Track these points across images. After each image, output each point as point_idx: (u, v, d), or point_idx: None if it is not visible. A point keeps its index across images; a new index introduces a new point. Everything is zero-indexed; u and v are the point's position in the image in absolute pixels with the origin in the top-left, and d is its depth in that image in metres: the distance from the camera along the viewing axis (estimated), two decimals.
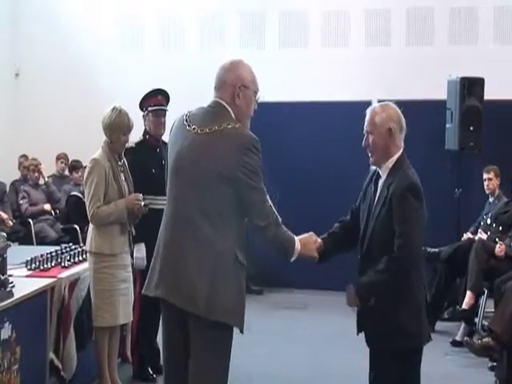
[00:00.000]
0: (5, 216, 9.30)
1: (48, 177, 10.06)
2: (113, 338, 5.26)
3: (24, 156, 10.35)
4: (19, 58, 11.00)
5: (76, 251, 5.55)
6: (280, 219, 3.49)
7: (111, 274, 5.05)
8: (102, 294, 5.04)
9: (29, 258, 5.18)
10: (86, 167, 5.51)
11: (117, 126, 5.10)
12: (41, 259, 5.21)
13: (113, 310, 5.07)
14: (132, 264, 5.36)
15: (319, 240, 3.74)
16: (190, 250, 3.36)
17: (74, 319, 5.12)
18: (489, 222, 7.55)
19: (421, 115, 8.75)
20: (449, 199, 8.32)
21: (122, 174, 5.20)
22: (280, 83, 9.41)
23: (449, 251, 7.49)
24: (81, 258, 5.50)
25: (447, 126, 8.33)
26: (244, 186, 3.34)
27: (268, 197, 3.48)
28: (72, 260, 5.40)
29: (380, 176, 3.66)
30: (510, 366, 5.55)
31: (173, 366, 3.53)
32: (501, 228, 7.34)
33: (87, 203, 5.08)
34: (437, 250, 7.59)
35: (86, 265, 5.35)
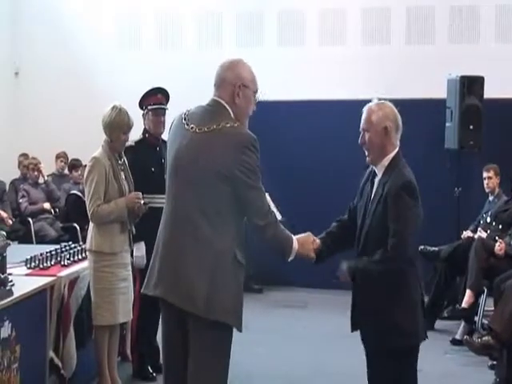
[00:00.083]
0: (4, 215, 9.30)
1: (47, 176, 10.07)
2: (113, 337, 5.26)
3: (24, 155, 10.35)
4: (19, 57, 11.01)
5: (75, 250, 5.55)
6: (280, 217, 3.49)
7: (111, 272, 5.04)
8: (102, 293, 5.04)
9: (28, 257, 5.18)
10: (85, 166, 5.50)
11: (117, 124, 5.10)
12: (40, 258, 5.21)
13: (112, 309, 5.07)
14: (132, 263, 5.35)
15: (317, 240, 3.74)
16: (189, 249, 3.36)
17: (73, 318, 5.12)
18: (488, 220, 7.55)
19: (421, 114, 8.77)
20: (448, 198, 8.32)
21: (122, 173, 5.19)
22: (278, 82, 9.39)
23: (448, 250, 7.49)
24: (80, 257, 5.50)
25: (447, 124, 8.32)
26: (242, 184, 3.34)
27: (267, 196, 3.48)
28: (71, 259, 5.40)
29: (376, 174, 3.68)
30: (509, 365, 5.55)
31: (172, 365, 3.53)
32: (500, 226, 7.34)
33: (87, 202, 5.08)
34: (436, 248, 7.59)
35: (85, 263, 5.35)
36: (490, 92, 8.22)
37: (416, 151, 8.45)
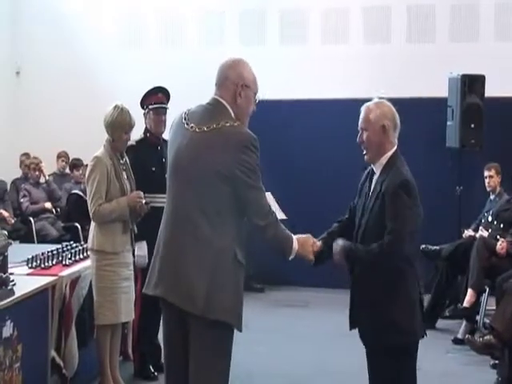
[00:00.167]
0: (6, 214, 9.31)
1: (49, 175, 10.07)
2: (114, 336, 5.26)
3: (25, 154, 10.36)
4: (20, 57, 11.01)
5: (77, 249, 5.55)
6: (284, 217, 3.49)
7: (113, 271, 5.05)
8: (104, 292, 5.04)
9: (30, 257, 5.19)
10: (87, 165, 5.50)
11: (118, 124, 5.11)
12: (42, 257, 5.21)
13: (114, 308, 5.07)
14: (133, 262, 5.35)
15: (318, 243, 3.74)
16: (189, 249, 3.35)
17: (75, 317, 5.12)
18: (490, 219, 7.54)
19: (422, 113, 8.78)
20: (450, 197, 8.31)
21: (123, 172, 5.20)
22: (280, 81, 9.41)
23: (450, 249, 7.49)
24: (82, 256, 5.50)
25: (448, 123, 8.32)
26: (242, 184, 3.34)
27: (269, 195, 3.47)
28: (73, 258, 5.40)
29: (374, 173, 3.69)
30: (511, 364, 5.55)
31: (173, 364, 3.52)
32: (502, 225, 7.33)
33: (89, 201, 5.08)
34: (438, 247, 7.59)
35: (86, 263, 5.35)
36: (491, 90, 8.21)
37: (417, 150, 8.48)
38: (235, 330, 3.45)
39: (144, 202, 5.18)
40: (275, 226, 3.46)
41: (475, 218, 7.88)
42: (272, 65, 9.43)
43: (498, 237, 7.10)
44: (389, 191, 3.51)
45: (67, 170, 10.51)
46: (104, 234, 5.05)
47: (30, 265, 5.14)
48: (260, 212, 3.41)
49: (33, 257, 5.19)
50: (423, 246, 7.54)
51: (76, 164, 10.13)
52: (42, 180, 9.86)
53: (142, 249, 5.45)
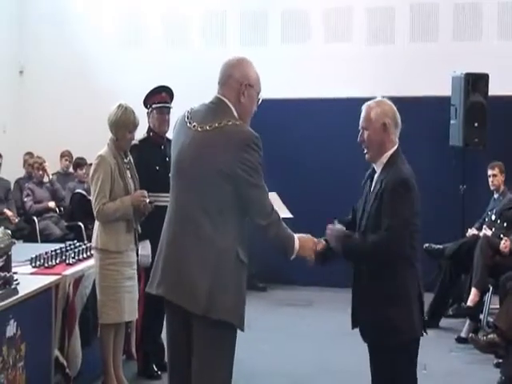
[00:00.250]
0: (9, 213, 9.33)
1: (52, 174, 10.08)
2: (118, 336, 5.26)
3: (29, 154, 10.37)
4: (23, 56, 11.02)
5: (80, 248, 5.55)
6: (290, 215, 3.48)
7: (117, 270, 5.05)
8: (108, 291, 5.05)
9: (33, 256, 5.19)
10: (90, 164, 5.51)
11: (122, 123, 5.11)
12: (45, 256, 5.22)
13: (118, 307, 5.07)
14: (137, 261, 5.35)
15: (322, 241, 3.74)
16: (192, 249, 3.35)
17: (78, 316, 5.12)
18: (493, 218, 7.53)
19: (425, 112, 8.78)
20: (453, 196, 8.31)
21: (127, 171, 5.20)
22: (282, 80, 9.40)
23: (453, 248, 7.48)
24: (85, 256, 5.50)
25: (451, 122, 8.31)
26: (244, 183, 3.33)
27: (275, 194, 3.47)
28: (76, 257, 5.41)
29: (375, 171, 3.70)
30: None
31: (177, 364, 3.53)
32: (505, 224, 7.32)
33: (93, 200, 5.08)
34: (441, 246, 7.58)
35: (90, 262, 5.35)
36: (495, 89, 8.20)
37: (420, 149, 8.47)
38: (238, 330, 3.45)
39: (148, 201, 5.18)
40: (277, 226, 3.45)
41: (479, 217, 7.87)
42: (274, 64, 9.42)
43: (502, 235, 7.09)
44: (387, 188, 3.53)
45: (71, 170, 10.52)
46: (108, 233, 5.05)
47: (33, 264, 5.14)
48: (262, 211, 3.40)
49: (36, 256, 5.19)
50: (426, 244, 7.55)
51: (79, 163, 10.14)
52: (46, 179, 9.86)
53: (145, 248, 5.45)
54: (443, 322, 7.43)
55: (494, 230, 7.33)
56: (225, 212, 3.35)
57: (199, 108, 3.53)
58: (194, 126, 3.44)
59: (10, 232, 4.25)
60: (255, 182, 3.35)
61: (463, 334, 6.84)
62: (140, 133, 5.64)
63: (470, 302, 6.88)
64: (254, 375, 5.82)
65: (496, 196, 7.80)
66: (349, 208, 3.96)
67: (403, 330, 3.55)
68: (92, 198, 5.12)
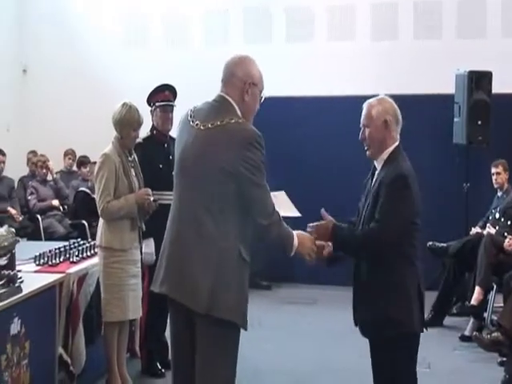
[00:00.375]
0: (13, 212, 9.35)
1: (56, 173, 10.09)
2: (122, 334, 5.27)
3: (33, 152, 10.39)
4: (25, 56, 11.03)
5: (84, 246, 5.56)
6: (298, 214, 3.47)
7: (121, 268, 5.05)
8: (112, 289, 5.05)
9: (37, 254, 5.20)
10: (94, 163, 5.51)
11: (127, 121, 5.12)
12: (49, 255, 5.22)
13: (122, 305, 5.08)
14: (141, 259, 5.36)
15: (330, 244, 3.75)
16: (194, 247, 3.35)
17: (82, 314, 5.13)
18: (497, 216, 7.52)
19: (428, 109, 8.77)
20: (457, 194, 8.30)
21: (132, 170, 5.20)
22: (286, 78, 9.40)
23: (457, 246, 7.47)
24: (89, 254, 5.51)
25: (455, 120, 8.30)
26: (246, 181, 3.32)
27: (283, 193, 3.47)
28: (80, 255, 5.41)
29: (376, 169, 3.72)
30: None
31: (181, 362, 3.53)
32: (509, 222, 7.30)
33: (97, 198, 5.08)
34: (445, 244, 7.57)
35: (94, 260, 5.36)
36: (499, 87, 8.19)
37: (424, 147, 8.47)
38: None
39: (152, 199, 5.18)
40: (278, 225, 3.44)
41: (482, 215, 7.86)
42: (278, 62, 9.42)
43: (506, 234, 7.08)
44: (385, 183, 3.55)
45: (74, 168, 10.54)
46: (112, 231, 5.06)
47: (37, 262, 5.15)
48: (264, 211, 3.39)
49: (40, 254, 5.20)
50: (430, 243, 7.55)
51: (83, 161, 10.16)
52: (50, 178, 9.87)
53: (149, 246, 5.45)
54: (447, 320, 7.42)
55: (497, 228, 7.32)
56: (226, 210, 3.34)
57: (202, 106, 3.53)
58: (197, 124, 3.44)
59: (13, 230, 4.24)
60: (257, 181, 3.34)
61: (467, 333, 6.83)
62: (143, 131, 5.64)
63: (473, 301, 6.87)
64: (257, 373, 5.82)
65: (500, 194, 7.78)
66: (352, 205, 3.96)
67: (402, 323, 3.56)
68: (96, 195, 5.13)
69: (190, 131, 3.46)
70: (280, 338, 6.92)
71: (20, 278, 4.20)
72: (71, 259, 5.30)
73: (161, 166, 5.62)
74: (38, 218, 9.34)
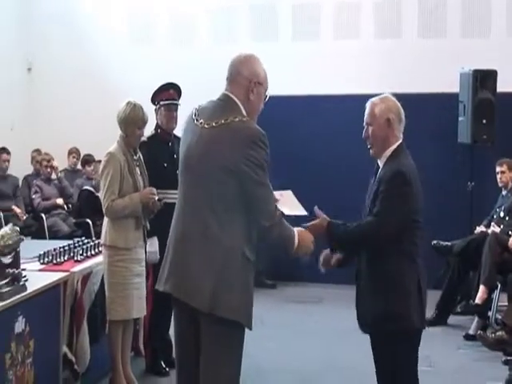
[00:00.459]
0: (18, 210, 9.36)
1: (60, 171, 10.10)
2: (126, 332, 5.28)
3: (37, 150, 10.39)
4: (32, 54, 11.04)
5: (88, 245, 5.57)
6: (305, 213, 3.48)
7: (125, 267, 5.06)
8: (116, 287, 5.06)
9: (42, 252, 5.21)
10: (99, 161, 5.52)
11: (131, 120, 5.12)
12: (53, 253, 5.23)
13: (126, 304, 5.08)
14: (145, 258, 5.36)
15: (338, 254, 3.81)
16: (198, 246, 3.35)
17: (87, 313, 5.13)
18: (502, 215, 7.51)
19: (433, 108, 8.76)
20: (461, 192, 8.29)
21: (137, 168, 5.21)
22: (292, 77, 9.39)
23: (461, 245, 7.46)
24: (93, 252, 5.52)
25: (460, 118, 8.29)
26: (248, 180, 3.30)
27: (290, 192, 3.47)
28: (85, 254, 5.42)
29: (379, 167, 3.73)
30: None
31: (185, 360, 3.52)
32: None
33: (102, 196, 5.09)
34: (449, 243, 7.57)
35: (98, 259, 5.37)
36: (503, 86, 8.17)
37: (428, 146, 8.46)
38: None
39: (157, 198, 5.18)
40: (280, 226, 3.43)
41: (487, 214, 7.85)
42: (284, 61, 9.41)
43: (510, 232, 7.08)
44: (384, 179, 3.58)
45: (78, 167, 10.55)
46: (117, 229, 5.06)
47: (41, 261, 5.16)
48: (266, 212, 3.37)
49: (44, 253, 5.21)
50: (435, 241, 7.54)
51: (88, 160, 10.16)
52: (54, 176, 9.88)
53: (153, 245, 5.45)
54: (451, 319, 7.41)
55: (502, 226, 7.31)
56: (230, 210, 3.33)
57: (207, 105, 3.53)
58: (201, 122, 3.43)
59: (18, 229, 4.25)
60: (260, 181, 3.33)
61: (471, 331, 6.83)
62: (148, 130, 5.65)
63: (478, 299, 6.87)
64: (261, 372, 5.82)
65: (504, 193, 7.77)
66: (356, 204, 3.96)
67: (401, 318, 3.57)
68: (101, 194, 5.13)
69: (194, 130, 3.46)
70: (285, 336, 6.92)
71: (24, 276, 4.21)
72: (75, 258, 5.31)
73: (165, 164, 5.62)
74: (42, 217, 9.35)
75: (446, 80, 8.71)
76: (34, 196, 9.56)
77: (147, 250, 5.41)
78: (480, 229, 7.63)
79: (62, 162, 10.30)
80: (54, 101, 10.78)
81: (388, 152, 3.67)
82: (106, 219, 5.15)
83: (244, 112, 3.43)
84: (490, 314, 6.91)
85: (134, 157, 5.21)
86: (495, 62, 8.31)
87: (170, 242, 3.52)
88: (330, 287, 8.73)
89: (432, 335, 6.67)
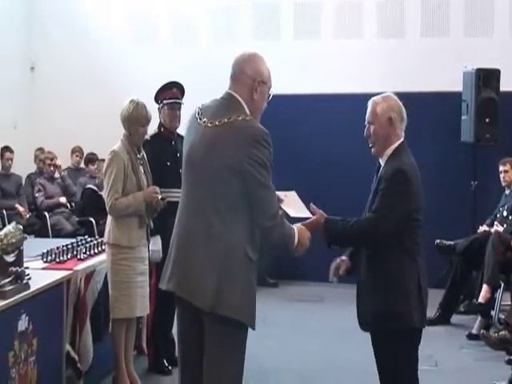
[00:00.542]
0: (21, 209, 9.38)
1: (63, 170, 10.11)
2: (129, 331, 5.28)
3: (40, 149, 10.41)
4: (34, 54, 11.06)
5: (91, 244, 5.57)
6: (309, 215, 3.48)
7: (129, 266, 5.06)
8: (120, 286, 5.06)
9: (45, 251, 5.21)
10: (102, 160, 5.53)
11: (134, 118, 5.12)
12: (57, 252, 5.24)
13: (130, 302, 5.09)
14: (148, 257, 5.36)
15: (344, 258, 3.84)
16: (201, 246, 3.34)
17: (90, 311, 5.14)
18: (505, 214, 7.51)
19: (436, 107, 8.75)
20: (464, 192, 8.29)
21: (140, 167, 5.21)
22: (294, 75, 9.39)
23: (465, 244, 7.45)
24: (96, 251, 5.52)
25: (463, 118, 8.28)
26: (251, 179, 3.29)
27: (294, 193, 3.48)
28: (88, 252, 5.42)
29: (381, 166, 3.74)
30: None
31: (188, 359, 3.52)
32: None
33: (105, 195, 5.10)
34: (452, 242, 7.56)
35: (101, 257, 5.37)
36: (507, 85, 8.17)
37: (431, 145, 8.47)
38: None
39: (160, 197, 5.19)
40: (281, 226, 3.43)
41: (490, 213, 7.85)
42: (285, 60, 9.41)
43: None
44: (384, 177, 3.59)
45: (81, 165, 10.56)
46: (120, 228, 5.07)
47: (45, 259, 5.16)
48: (268, 212, 3.35)
49: (48, 251, 5.21)
50: (438, 241, 7.53)
51: (91, 158, 10.17)
52: (57, 175, 9.89)
53: (156, 243, 5.46)
54: (454, 318, 7.41)
55: (505, 226, 7.30)
56: (233, 209, 3.33)
57: (210, 104, 3.52)
58: (205, 121, 3.43)
59: (21, 227, 4.25)
60: (263, 181, 3.31)
61: (474, 331, 6.82)
62: (151, 129, 5.65)
63: (481, 299, 6.86)
64: (263, 371, 5.82)
65: (507, 192, 7.76)
66: (359, 203, 3.96)
67: (401, 317, 3.57)
68: (105, 192, 5.14)
69: (197, 128, 3.45)
70: (287, 335, 6.92)
71: (28, 274, 4.21)
72: (79, 256, 5.31)
73: (168, 163, 5.62)
74: (45, 215, 9.36)
75: (448, 79, 8.70)
76: (37, 194, 9.57)
77: (150, 248, 5.41)
78: (483, 228, 7.62)
79: (65, 161, 10.33)
80: (57, 99, 10.80)
81: (389, 151, 3.68)
82: (109, 218, 5.15)
83: (247, 111, 3.42)
84: (493, 313, 6.91)
85: (138, 155, 5.22)
86: (498, 61, 8.30)
87: (173, 240, 3.52)
88: (331, 286, 8.64)
89: (435, 335, 6.69)
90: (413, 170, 3.62)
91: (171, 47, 10.60)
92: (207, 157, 3.36)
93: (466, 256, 7.40)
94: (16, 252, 4.06)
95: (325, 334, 7.00)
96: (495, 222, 7.48)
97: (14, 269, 4.04)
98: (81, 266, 5.13)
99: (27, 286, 4.16)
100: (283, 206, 3.53)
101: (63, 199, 9.65)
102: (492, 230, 7.32)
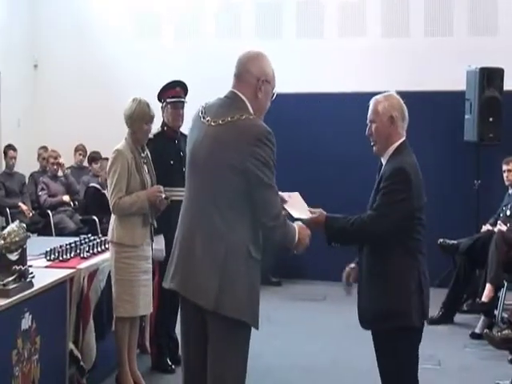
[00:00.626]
0: (24, 207, 9.38)
1: (66, 168, 10.12)
2: (133, 329, 5.28)
3: (43, 147, 10.41)
4: (38, 51, 11.07)
5: (95, 242, 5.58)
6: (311, 216, 3.49)
7: (132, 264, 5.06)
8: (123, 284, 5.06)
9: (48, 249, 5.22)
10: (105, 158, 5.53)
11: (137, 115, 5.13)
12: (60, 250, 5.24)
13: (133, 301, 5.09)
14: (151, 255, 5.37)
15: (353, 266, 3.85)
16: (204, 245, 3.34)
17: (93, 310, 5.14)
18: (508, 213, 7.49)
19: (440, 106, 8.74)
20: (468, 191, 8.28)
21: (144, 166, 5.21)
22: (296, 74, 9.38)
23: (468, 243, 7.44)
24: (99, 249, 5.52)
25: (466, 117, 8.28)
26: (254, 178, 3.28)
27: (297, 194, 3.48)
28: (91, 251, 5.43)
29: (382, 164, 3.74)
30: None
31: (191, 358, 3.52)
32: None
33: (109, 193, 5.10)
34: (456, 241, 7.55)
35: (104, 256, 5.38)
36: (510, 84, 8.15)
37: (435, 144, 8.45)
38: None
39: (164, 196, 5.19)
40: (283, 226, 3.42)
41: (493, 212, 7.83)
42: (289, 58, 9.41)
43: None
44: (385, 176, 3.59)
45: (85, 164, 10.56)
46: (124, 226, 5.07)
47: (48, 257, 5.17)
48: (270, 212, 3.34)
49: (51, 249, 5.22)
50: (441, 240, 7.53)
51: (95, 157, 10.18)
52: (60, 173, 9.90)
53: (159, 242, 5.46)
54: (457, 317, 7.40)
55: (508, 225, 7.29)
56: (236, 208, 3.32)
57: (214, 102, 3.51)
58: (208, 120, 3.43)
59: (24, 225, 4.26)
60: (266, 180, 3.30)
61: (477, 330, 6.82)
62: (154, 128, 5.65)
63: (484, 298, 6.86)
64: (267, 369, 5.82)
65: (511, 191, 7.74)
66: (363, 202, 3.96)
67: (401, 316, 3.57)
68: (108, 191, 5.14)
69: (200, 127, 3.45)
70: (290, 334, 6.92)
71: (31, 273, 4.22)
72: (82, 255, 5.32)
73: (172, 162, 5.62)
74: (48, 214, 9.36)
75: (452, 78, 8.69)
76: (40, 193, 9.58)
77: (153, 247, 5.41)
78: (486, 227, 7.61)
79: (68, 159, 10.32)
80: (61, 98, 10.81)
81: (391, 149, 3.68)
82: (113, 216, 5.16)
83: (251, 110, 3.42)
84: (496, 312, 6.90)
85: (142, 154, 5.22)
86: (502, 60, 8.30)
87: (176, 239, 3.52)
88: (334, 285, 8.68)
89: (438, 334, 6.69)
90: (414, 168, 3.62)
91: (175, 44, 10.60)
92: (210, 156, 3.36)
93: (469, 255, 7.39)
94: (19, 250, 4.07)
95: (328, 333, 7.00)
96: (498, 221, 7.46)
97: (17, 267, 4.04)
98: (84, 264, 5.14)
99: (30, 285, 4.17)
100: (287, 207, 3.52)
101: (66, 198, 9.65)
102: (495, 229, 7.31)
